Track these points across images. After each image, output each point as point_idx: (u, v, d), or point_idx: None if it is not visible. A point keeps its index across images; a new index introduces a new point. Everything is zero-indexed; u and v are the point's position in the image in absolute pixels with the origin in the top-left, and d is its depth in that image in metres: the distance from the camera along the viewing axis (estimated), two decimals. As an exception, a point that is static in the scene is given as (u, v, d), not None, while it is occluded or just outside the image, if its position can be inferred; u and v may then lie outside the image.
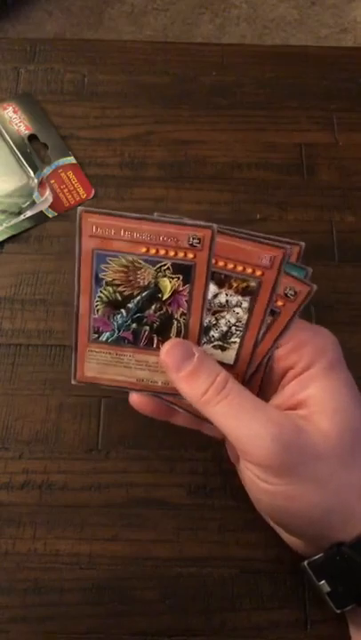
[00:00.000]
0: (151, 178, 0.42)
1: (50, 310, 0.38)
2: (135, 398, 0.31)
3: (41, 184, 0.41)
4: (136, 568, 0.33)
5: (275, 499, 0.27)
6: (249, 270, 0.29)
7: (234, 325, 0.30)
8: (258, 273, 0.29)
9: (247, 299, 0.29)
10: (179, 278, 0.29)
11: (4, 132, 0.43)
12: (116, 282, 0.29)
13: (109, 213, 0.28)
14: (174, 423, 0.33)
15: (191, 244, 0.28)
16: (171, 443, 0.35)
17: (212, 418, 0.28)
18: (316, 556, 0.28)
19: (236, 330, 0.30)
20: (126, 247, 0.28)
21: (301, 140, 0.44)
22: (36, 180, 0.42)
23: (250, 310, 0.30)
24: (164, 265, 0.28)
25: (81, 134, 0.44)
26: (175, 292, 0.29)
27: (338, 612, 0.29)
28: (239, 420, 0.27)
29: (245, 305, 0.30)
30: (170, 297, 0.29)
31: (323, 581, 0.28)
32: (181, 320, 0.29)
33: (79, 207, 0.28)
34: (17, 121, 0.43)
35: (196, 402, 0.28)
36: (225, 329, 0.30)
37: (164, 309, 0.29)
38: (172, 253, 0.28)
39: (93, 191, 0.42)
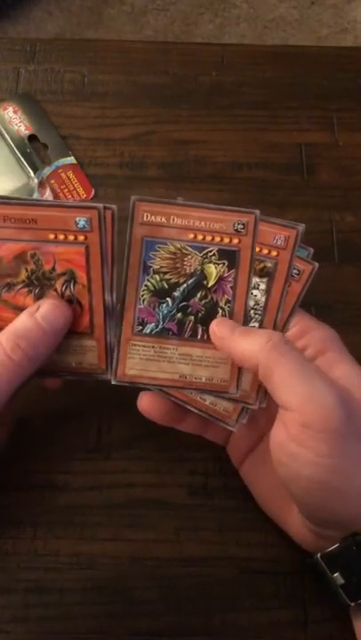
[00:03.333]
0: (151, 178, 0.42)
1: (50, 310, 0.38)
2: (145, 405, 0.31)
3: (41, 184, 0.41)
4: (136, 568, 0.33)
5: (318, 471, 0.26)
6: (265, 251, 0.30)
7: (252, 309, 0.30)
8: (273, 253, 0.30)
9: (264, 280, 0.30)
10: (224, 264, 0.30)
11: (4, 132, 0.43)
12: (164, 269, 0.30)
13: (159, 201, 0.29)
14: (180, 429, 0.33)
15: (236, 230, 0.29)
16: (171, 443, 0.35)
17: (274, 370, 0.27)
18: (331, 548, 0.28)
19: (255, 314, 0.30)
20: (175, 234, 0.29)
21: (301, 140, 0.44)
22: (36, 180, 0.42)
23: (267, 292, 0.30)
24: (210, 251, 0.29)
25: (81, 134, 0.44)
26: (220, 279, 0.30)
27: (352, 604, 0.28)
28: (302, 377, 0.26)
29: (263, 287, 0.30)
30: (215, 284, 0.30)
31: (336, 573, 0.28)
32: (226, 308, 0.30)
33: (132, 196, 0.29)
34: (17, 121, 0.43)
35: (260, 350, 0.27)
36: None
37: (210, 297, 0.30)
38: (217, 239, 0.29)
39: (93, 191, 0.42)
